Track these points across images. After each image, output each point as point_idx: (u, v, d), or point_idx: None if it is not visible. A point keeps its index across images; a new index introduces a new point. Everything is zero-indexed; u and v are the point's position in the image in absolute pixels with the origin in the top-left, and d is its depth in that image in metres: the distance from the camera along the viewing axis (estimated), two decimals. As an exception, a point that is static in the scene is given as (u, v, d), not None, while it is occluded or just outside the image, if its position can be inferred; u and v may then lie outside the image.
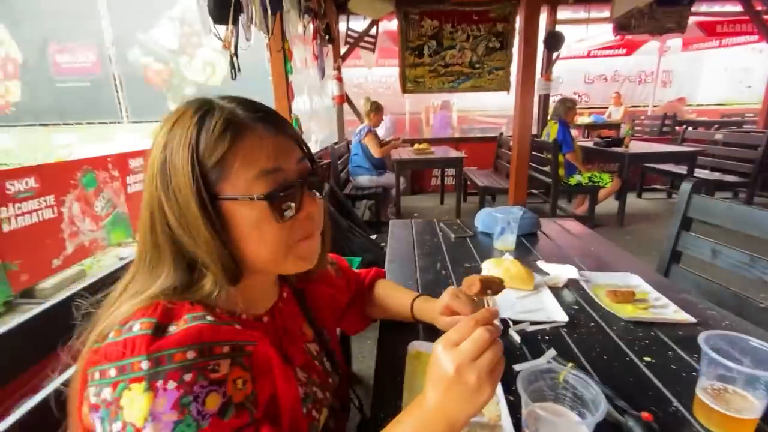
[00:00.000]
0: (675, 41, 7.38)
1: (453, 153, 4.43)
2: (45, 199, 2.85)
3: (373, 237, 2.93)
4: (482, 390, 0.42)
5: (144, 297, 0.45)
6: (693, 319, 0.84)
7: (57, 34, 8.33)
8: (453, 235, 1.44)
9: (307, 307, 0.67)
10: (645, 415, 0.54)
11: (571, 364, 0.54)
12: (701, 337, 0.59)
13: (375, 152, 3.92)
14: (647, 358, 0.73)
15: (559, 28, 4.86)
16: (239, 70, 1.82)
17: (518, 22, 3.38)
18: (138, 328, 0.41)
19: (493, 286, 0.54)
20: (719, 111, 8.21)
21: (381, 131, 4.42)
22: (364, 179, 3.99)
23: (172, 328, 0.42)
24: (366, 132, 3.92)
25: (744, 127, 5.93)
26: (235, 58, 1.77)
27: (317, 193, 0.52)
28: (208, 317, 0.44)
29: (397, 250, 1.35)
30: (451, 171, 5.17)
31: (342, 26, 4.66)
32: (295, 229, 0.50)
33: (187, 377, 0.39)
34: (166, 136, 0.46)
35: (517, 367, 0.69)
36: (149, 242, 0.48)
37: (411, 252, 1.33)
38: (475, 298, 0.69)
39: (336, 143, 4.38)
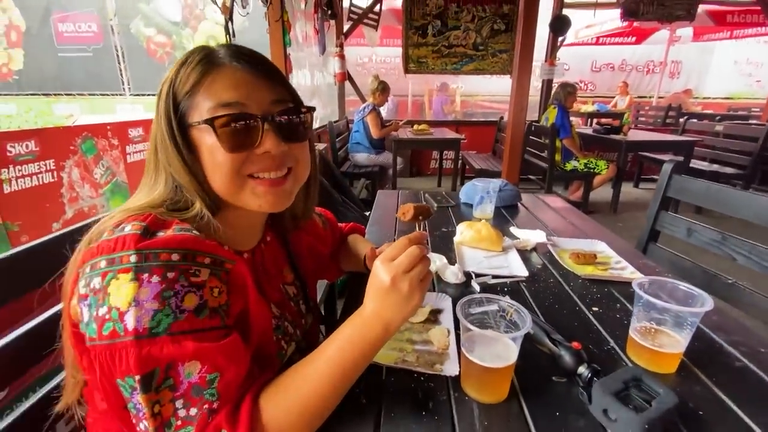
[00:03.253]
0: (686, 31, 7.24)
1: (452, 135, 4.43)
2: (45, 163, 2.89)
3: (367, 214, 2.98)
4: (413, 297, 0.49)
5: (138, 206, 0.51)
6: (647, 279, 0.88)
7: (59, 2, 8.20)
8: (435, 204, 1.48)
9: (291, 253, 0.71)
10: (575, 344, 0.59)
11: (513, 306, 0.59)
12: (635, 282, 0.64)
13: (374, 132, 3.93)
14: (595, 308, 0.79)
15: (566, 11, 4.78)
16: (234, 35, 1.84)
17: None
18: (129, 228, 0.46)
19: (424, 212, 0.62)
20: (726, 104, 8.10)
21: (383, 112, 4.41)
22: (362, 157, 4.01)
23: (161, 234, 0.47)
24: (370, 110, 3.92)
25: (748, 121, 5.88)
26: (230, 23, 1.78)
27: (283, 136, 0.53)
28: (195, 231, 0.49)
29: (380, 215, 1.40)
30: (450, 155, 5.18)
31: (345, 2, 4.61)
32: (249, 162, 0.52)
33: (170, 275, 0.44)
34: (171, 73, 0.52)
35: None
36: (152, 164, 0.54)
37: (393, 218, 1.37)
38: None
39: (335, 121, 4.39)
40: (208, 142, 0.50)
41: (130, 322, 0.42)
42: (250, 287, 0.54)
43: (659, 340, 0.61)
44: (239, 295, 0.52)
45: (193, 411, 0.42)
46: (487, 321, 0.59)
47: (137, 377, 0.41)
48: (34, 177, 2.94)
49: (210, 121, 0.49)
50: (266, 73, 0.53)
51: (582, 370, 0.57)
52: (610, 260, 1.00)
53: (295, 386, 0.48)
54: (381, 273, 0.49)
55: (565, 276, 0.93)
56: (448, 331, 0.68)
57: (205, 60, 0.51)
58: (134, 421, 0.43)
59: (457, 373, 0.58)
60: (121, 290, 0.42)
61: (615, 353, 0.66)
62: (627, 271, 0.94)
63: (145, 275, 0.43)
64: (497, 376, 0.54)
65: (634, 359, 0.64)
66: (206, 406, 0.42)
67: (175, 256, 0.45)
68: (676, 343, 0.61)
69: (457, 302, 0.57)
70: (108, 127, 3.63)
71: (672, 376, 0.61)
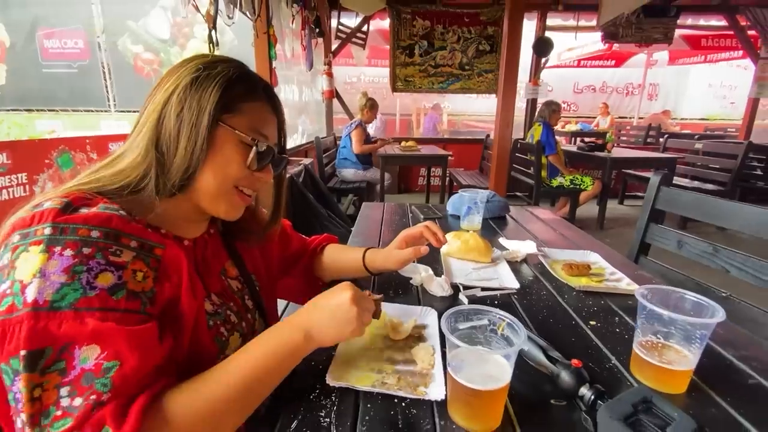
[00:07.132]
0: (662, 54, 7.53)
1: (439, 151, 4.44)
2: (17, 177, 2.77)
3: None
4: (354, 322, 0.50)
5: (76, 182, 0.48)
6: (650, 288, 0.83)
7: (46, 18, 8.16)
8: (422, 216, 1.43)
9: (237, 253, 0.67)
10: (574, 362, 0.53)
11: (505, 320, 0.52)
12: (638, 291, 0.58)
13: (356, 147, 3.89)
14: (593, 322, 0.73)
15: (548, 34, 4.92)
16: (218, 45, 1.79)
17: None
18: (49, 204, 0.42)
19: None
20: (702, 125, 8.37)
21: (371, 130, 4.40)
22: (349, 173, 3.97)
23: (84, 210, 0.43)
24: (356, 126, 3.90)
25: (725, 140, 6.05)
26: (214, 32, 1.74)
27: (275, 171, 0.62)
28: (122, 212, 0.45)
29: (364, 227, 1.33)
30: (437, 171, 5.18)
31: (333, 22, 4.66)
32: (245, 179, 0.56)
33: (86, 251, 0.40)
34: (205, 64, 0.53)
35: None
36: (147, 134, 0.50)
37: (377, 229, 1.31)
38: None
39: (323, 137, 4.36)
40: (230, 149, 0.53)
41: (30, 293, 0.37)
42: (184, 271, 0.49)
43: (667, 356, 0.55)
44: (170, 282, 0.47)
45: (77, 401, 0.36)
46: (477, 337, 0.52)
47: (23, 353, 0.35)
48: (4, 191, 2.81)
49: (255, 142, 0.54)
50: (281, 119, 0.62)
51: (584, 391, 0.50)
52: (604, 271, 0.95)
53: (206, 385, 0.43)
54: (345, 289, 0.52)
55: (559, 288, 0.87)
56: (434, 349, 0.61)
57: (249, 85, 0.55)
58: (13, 416, 0.36)
59: (444, 396, 0.51)
60: (29, 262, 0.38)
61: (617, 371, 0.59)
62: (623, 282, 0.88)
63: (58, 248, 0.39)
64: (488, 400, 0.47)
65: (638, 378, 0.58)
66: (93, 396, 0.36)
67: (95, 233, 0.41)
68: (685, 359, 0.55)
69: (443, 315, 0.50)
70: (87, 141, 3.53)
71: (682, 396, 0.55)
